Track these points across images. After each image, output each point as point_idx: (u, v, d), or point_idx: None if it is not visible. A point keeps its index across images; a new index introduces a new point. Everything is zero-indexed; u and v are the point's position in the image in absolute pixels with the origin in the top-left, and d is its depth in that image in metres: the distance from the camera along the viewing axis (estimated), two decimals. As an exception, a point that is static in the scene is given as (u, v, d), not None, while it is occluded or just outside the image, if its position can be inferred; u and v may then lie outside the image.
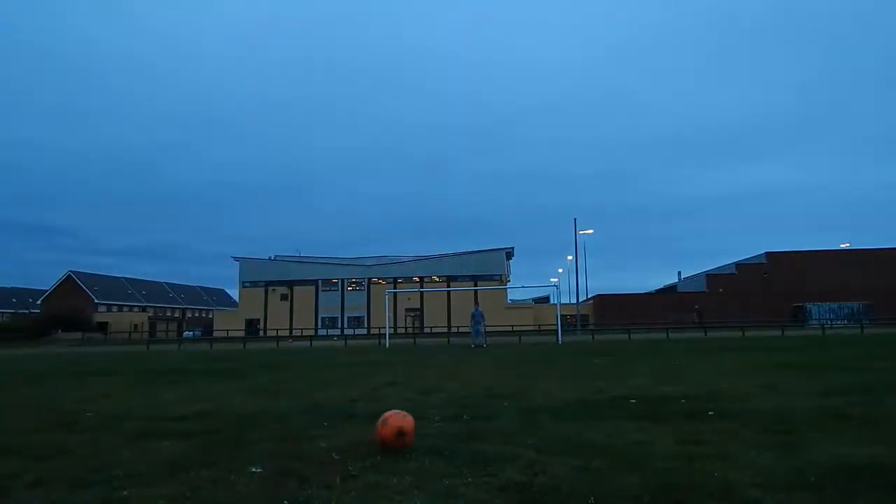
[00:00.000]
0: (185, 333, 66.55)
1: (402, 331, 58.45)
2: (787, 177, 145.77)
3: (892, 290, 52.92)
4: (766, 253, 59.52)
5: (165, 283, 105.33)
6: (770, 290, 56.00)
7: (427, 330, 56.77)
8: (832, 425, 4.11)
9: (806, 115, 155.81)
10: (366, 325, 62.35)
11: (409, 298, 63.62)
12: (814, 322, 48.12)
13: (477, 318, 23.59)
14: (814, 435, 3.78)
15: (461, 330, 49.66)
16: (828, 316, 51.76)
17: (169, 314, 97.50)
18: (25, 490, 2.92)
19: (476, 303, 26.35)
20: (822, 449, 3.37)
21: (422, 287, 63.99)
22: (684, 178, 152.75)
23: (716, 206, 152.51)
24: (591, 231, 49.67)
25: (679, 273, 70.64)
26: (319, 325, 64.95)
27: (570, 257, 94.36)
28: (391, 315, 53.79)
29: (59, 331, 63.07)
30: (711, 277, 60.47)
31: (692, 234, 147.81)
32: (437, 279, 65.79)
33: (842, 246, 59.82)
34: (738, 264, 60.79)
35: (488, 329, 25.47)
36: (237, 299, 69.50)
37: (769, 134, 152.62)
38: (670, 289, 70.34)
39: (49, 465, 3.42)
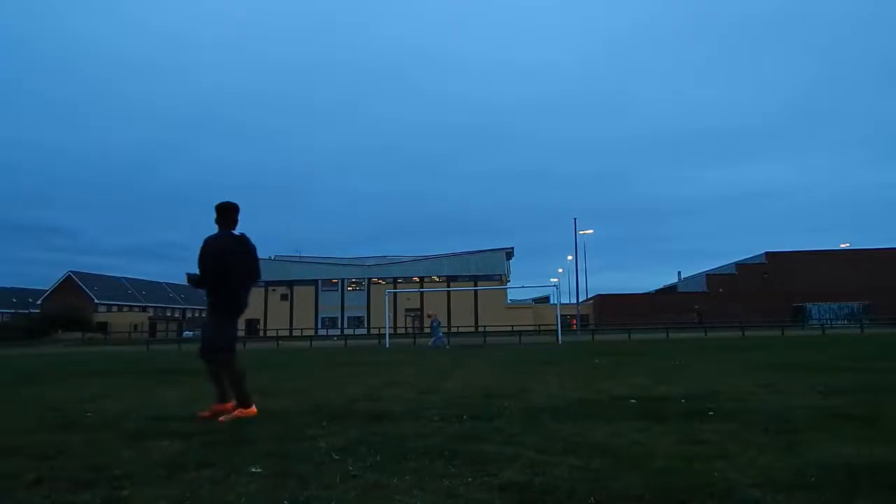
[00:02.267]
0: (185, 333, 66.57)
1: (402, 331, 58.45)
2: (786, 177, 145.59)
3: (891, 290, 52.91)
4: (765, 253, 59.52)
5: (166, 283, 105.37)
6: (770, 290, 55.99)
7: (427, 330, 56.77)
8: (832, 425, 4.11)
9: (805, 115, 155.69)
10: (366, 326, 62.35)
11: (408, 299, 63.60)
12: (814, 322, 48.11)
13: (434, 325, 24.65)
14: (814, 435, 3.78)
15: (461, 330, 49.67)
16: (827, 316, 51.79)
17: (169, 314, 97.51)
18: (26, 490, 2.92)
19: (430, 314, 27.94)
20: (821, 449, 3.37)
21: (422, 287, 63.95)
22: (684, 178, 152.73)
23: (716, 206, 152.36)
24: (591, 231, 49.72)
25: (679, 273, 70.79)
26: (319, 326, 64.96)
27: (570, 257, 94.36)
28: (391, 315, 53.78)
29: (60, 331, 63.08)
30: (711, 277, 60.51)
31: (692, 234, 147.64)
32: (437, 279, 65.78)
33: (841, 246, 59.84)
34: (738, 264, 60.83)
35: (488, 329, 25.68)
36: (237, 299, 69.39)
37: (769, 134, 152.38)
38: (670, 289, 70.38)
39: (49, 464, 3.41)
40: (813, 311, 53.32)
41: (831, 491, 2.59)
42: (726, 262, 63.42)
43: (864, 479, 2.75)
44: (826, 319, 49.62)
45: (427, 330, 28.22)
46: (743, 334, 31.63)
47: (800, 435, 3.79)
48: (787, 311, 53.16)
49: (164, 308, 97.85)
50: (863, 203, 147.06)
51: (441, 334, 25.01)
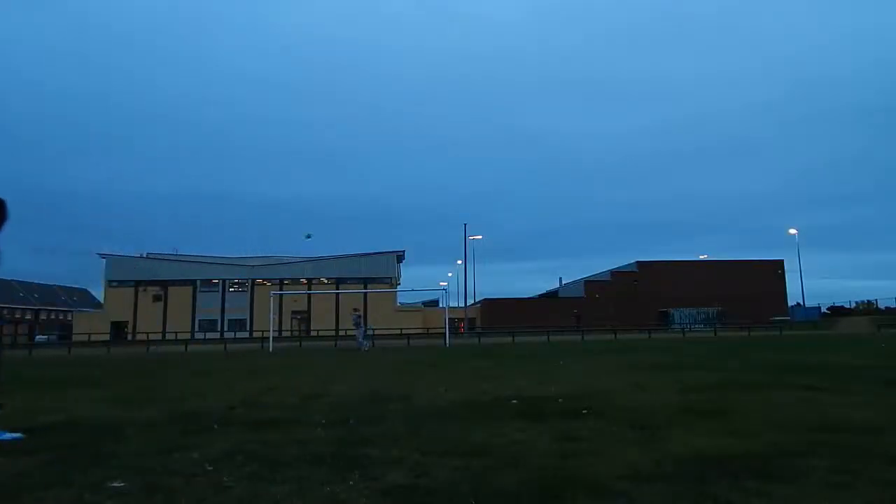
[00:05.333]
0: (38, 338, 59.86)
1: (288, 334, 56.59)
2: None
3: (739, 297, 59.40)
4: (636, 262, 64.61)
5: (15, 280, 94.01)
6: (640, 295, 60.70)
7: (314, 333, 55.42)
8: (689, 420, 4.52)
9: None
10: (248, 329, 59.67)
11: (294, 301, 61.73)
12: (676, 326, 52.88)
13: (355, 321, 24.45)
14: (672, 429, 4.14)
15: (349, 333, 48.92)
16: (687, 320, 57.09)
17: (19, 316, 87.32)
18: None
19: (356, 308, 27.08)
20: (678, 442, 3.69)
21: (310, 289, 62.25)
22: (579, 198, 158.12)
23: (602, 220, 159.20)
24: (479, 237, 51.08)
25: (560, 279, 74.74)
26: (197, 328, 61.18)
27: (459, 262, 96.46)
28: (276, 317, 51.85)
29: None
30: (589, 284, 64.49)
31: (575, 243, 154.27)
32: (326, 281, 64.45)
33: (700, 257, 66.45)
34: (612, 272, 65.35)
35: (378, 332, 25.58)
36: (102, 300, 63.83)
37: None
38: (552, 294, 74.07)
39: None
40: (675, 316, 58.54)
41: (686, 480, 2.85)
42: (603, 270, 68.03)
43: (714, 468, 3.05)
44: (686, 323, 54.74)
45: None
46: (615, 336, 33.96)
47: (660, 430, 4.12)
48: (654, 315, 57.89)
49: (13, 309, 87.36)
50: (720, 214, 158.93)
51: (363, 331, 24.63)
